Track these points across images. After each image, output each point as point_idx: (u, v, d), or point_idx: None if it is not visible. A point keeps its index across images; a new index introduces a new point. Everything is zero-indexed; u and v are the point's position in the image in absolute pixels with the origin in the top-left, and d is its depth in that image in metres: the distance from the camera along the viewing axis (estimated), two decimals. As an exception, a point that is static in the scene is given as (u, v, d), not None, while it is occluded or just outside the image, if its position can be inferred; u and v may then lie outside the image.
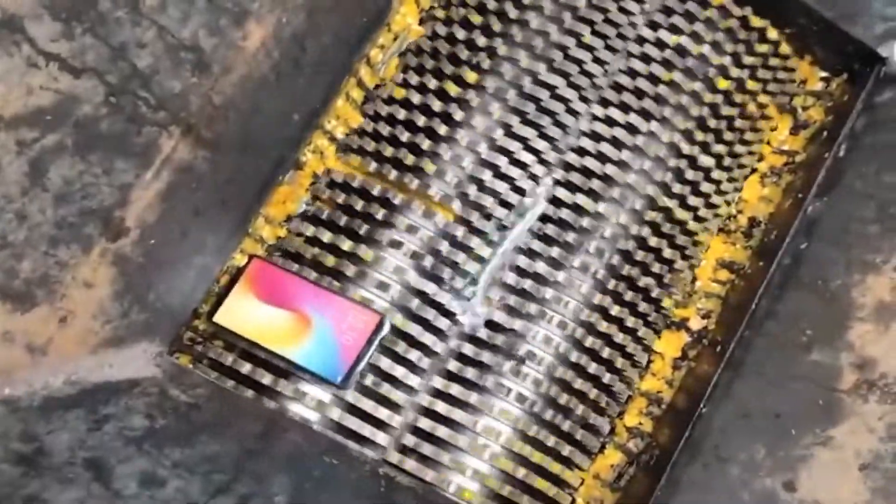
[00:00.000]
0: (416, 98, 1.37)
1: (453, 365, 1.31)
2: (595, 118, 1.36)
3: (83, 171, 1.06)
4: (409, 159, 1.33)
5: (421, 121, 1.35)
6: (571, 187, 1.35)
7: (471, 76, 1.35)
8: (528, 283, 1.32)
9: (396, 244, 1.30)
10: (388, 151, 1.34)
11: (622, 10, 1.39)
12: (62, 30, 0.99)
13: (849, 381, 1.25)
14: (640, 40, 1.39)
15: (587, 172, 1.35)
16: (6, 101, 0.97)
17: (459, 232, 1.32)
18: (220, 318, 1.25)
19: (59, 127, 1.01)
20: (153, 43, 1.06)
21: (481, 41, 1.37)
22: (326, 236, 1.31)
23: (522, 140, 1.34)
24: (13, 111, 0.98)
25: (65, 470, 1.10)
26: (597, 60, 1.37)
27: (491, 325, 1.32)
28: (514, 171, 1.33)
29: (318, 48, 1.27)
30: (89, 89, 1.02)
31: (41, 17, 0.97)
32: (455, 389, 1.29)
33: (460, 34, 1.39)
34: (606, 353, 1.35)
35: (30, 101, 0.98)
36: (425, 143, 1.33)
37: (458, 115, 1.34)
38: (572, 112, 1.35)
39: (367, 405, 1.26)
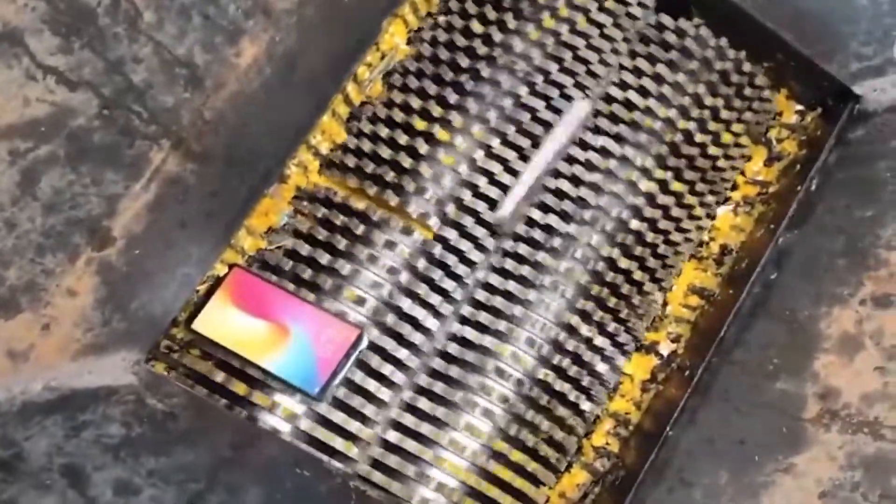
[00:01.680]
0: (399, 116, 1.38)
1: (425, 380, 1.32)
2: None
3: (73, 181, 1.06)
4: (390, 176, 1.34)
5: (403, 139, 1.36)
6: (545, 209, 1.37)
7: (453, 97, 1.37)
8: (498, 301, 1.34)
9: (374, 259, 1.31)
10: (370, 168, 1.35)
11: (604, 36, 1.41)
12: (61, 44, 0.99)
13: (812, 410, 1.27)
14: (620, 67, 1.42)
15: (560, 194, 1.37)
16: (2, 111, 0.97)
17: (437, 249, 1.33)
18: (199, 325, 1.25)
19: (53, 138, 1.02)
20: (149, 58, 1.07)
21: (465, 62, 1.38)
22: (305, 249, 1.32)
23: (503, 161, 1.36)
24: (9, 121, 0.98)
25: (42, 476, 1.10)
26: (578, 86, 1.39)
27: (462, 341, 1.34)
28: (494, 192, 1.35)
29: (308, 66, 1.28)
30: (84, 102, 1.03)
31: (41, 32, 0.97)
32: (426, 404, 1.30)
33: (445, 55, 1.40)
34: (576, 371, 1.37)
35: (26, 112, 0.99)
36: (406, 161, 1.34)
37: (440, 134, 1.35)
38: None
39: (340, 418, 1.26)
